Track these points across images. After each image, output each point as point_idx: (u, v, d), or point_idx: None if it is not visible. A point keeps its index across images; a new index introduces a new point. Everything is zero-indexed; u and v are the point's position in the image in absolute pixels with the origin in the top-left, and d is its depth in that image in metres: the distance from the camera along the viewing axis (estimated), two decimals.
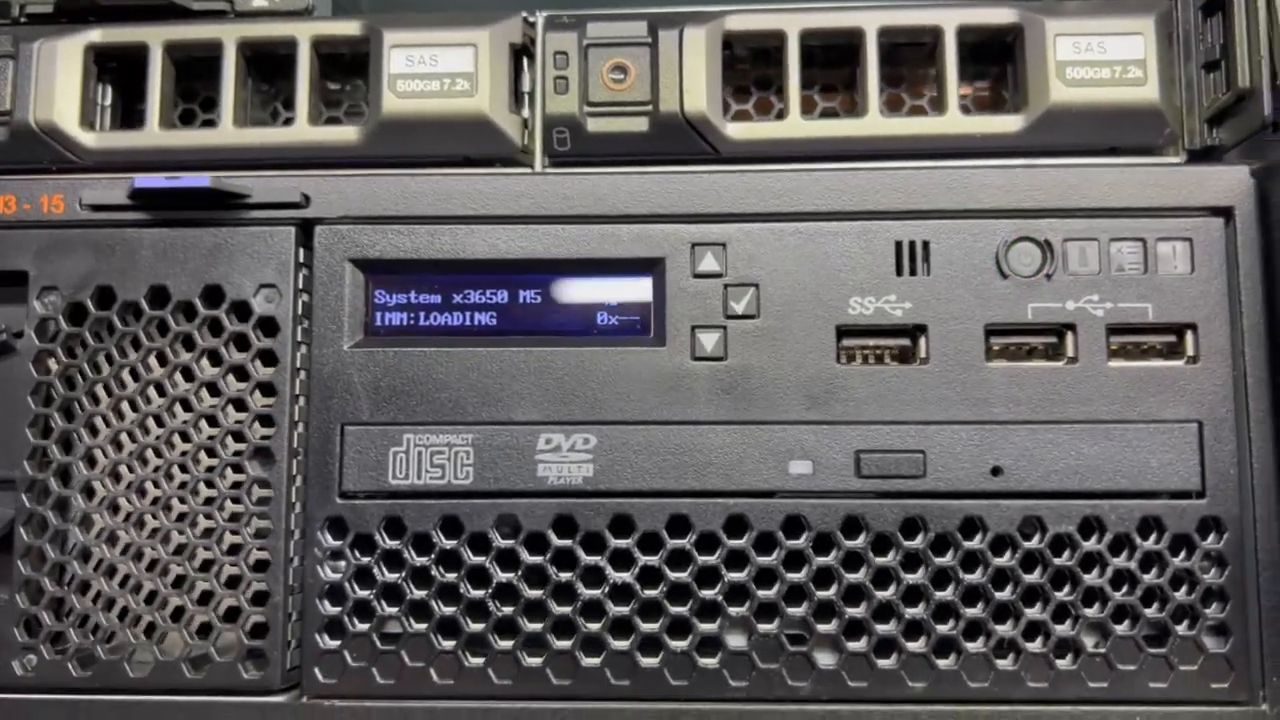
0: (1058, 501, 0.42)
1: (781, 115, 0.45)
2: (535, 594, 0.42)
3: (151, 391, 0.44)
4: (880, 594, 0.42)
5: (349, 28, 0.46)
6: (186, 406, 0.44)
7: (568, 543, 0.43)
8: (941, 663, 0.42)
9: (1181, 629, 0.42)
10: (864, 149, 0.45)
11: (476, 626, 0.42)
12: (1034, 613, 0.42)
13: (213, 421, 0.44)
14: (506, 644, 0.42)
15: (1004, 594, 0.42)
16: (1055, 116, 0.44)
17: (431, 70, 0.45)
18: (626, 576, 0.42)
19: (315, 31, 0.46)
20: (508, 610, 0.42)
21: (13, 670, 0.43)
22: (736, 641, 0.42)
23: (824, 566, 0.42)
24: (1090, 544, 0.42)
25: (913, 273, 0.43)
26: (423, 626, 0.43)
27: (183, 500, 0.43)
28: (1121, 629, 0.42)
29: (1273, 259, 0.42)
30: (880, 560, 0.42)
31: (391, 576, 0.43)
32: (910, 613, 0.42)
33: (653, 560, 0.42)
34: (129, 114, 0.49)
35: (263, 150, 0.46)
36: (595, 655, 0.42)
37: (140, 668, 0.43)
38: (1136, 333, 0.43)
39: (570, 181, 0.44)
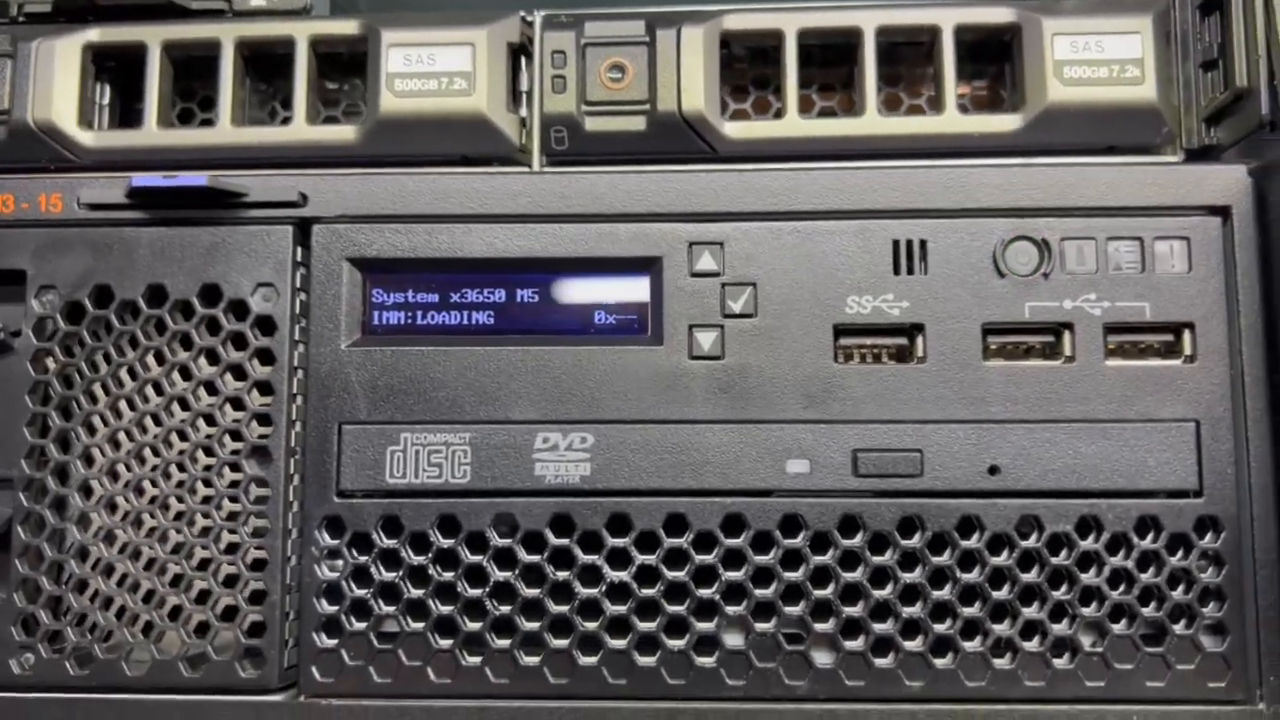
0: (1055, 500, 0.42)
1: (779, 114, 0.45)
2: (532, 593, 0.42)
3: (149, 390, 0.44)
4: (877, 593, 0.42)
5: (347, 27, 0.46)
6: (184, 405, 0.44)
7: (565, 541, 0.43)
8: (939, 662, 0.42)
9: (1179, 628, 0.42)
10: (862, 148, 0.45)
11: (474, 625, 0.42)
12: (1031, 612, 0.42)
13: (210, 420, 0.44)
14: (504, 643, 0.42)
15: (1001, 593, 0.42)
16: (1053, 116, 0.44)
17: (429, 69, 0.45)
18: (624, 575, 0.42)
19: (313, 31, 0.46)
20: (505, 609, 0.42)
21: (10, 669, 0.43)
22: (734, 640, 0.42)
23: (821, 565, 0.42)
24: (1087, 543, 0.42)
25: (910, 272, 0.43)
26: (420, 625, 0.43)
27: (180, 499, 0.43)
28: (1119, 628, 0.42)
29: (1270, 258, 0.42)
30: (877, 559, 0.42)
31: (389, 575, 0.43)
32: (907, 612, 0.42)
33: (650, 559, 0.42)
34: (127, 113, 0.49)
35: (260, 149, 0.46)
36: (592, 654, 0.42)
37: (138, 666, 0.43)
38: (1134, 332, 0.43)
39: (568, 180, 0.44)
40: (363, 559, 0.43)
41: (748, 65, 0.48)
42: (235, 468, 0.43)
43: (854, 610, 0.42)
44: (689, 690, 0.42)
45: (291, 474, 0.43)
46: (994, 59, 0.47)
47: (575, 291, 0.44)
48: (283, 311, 0.43)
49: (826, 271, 0.43)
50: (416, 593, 0.43)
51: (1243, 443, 0.42)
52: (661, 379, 0.43)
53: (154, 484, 0.44)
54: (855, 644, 0.42)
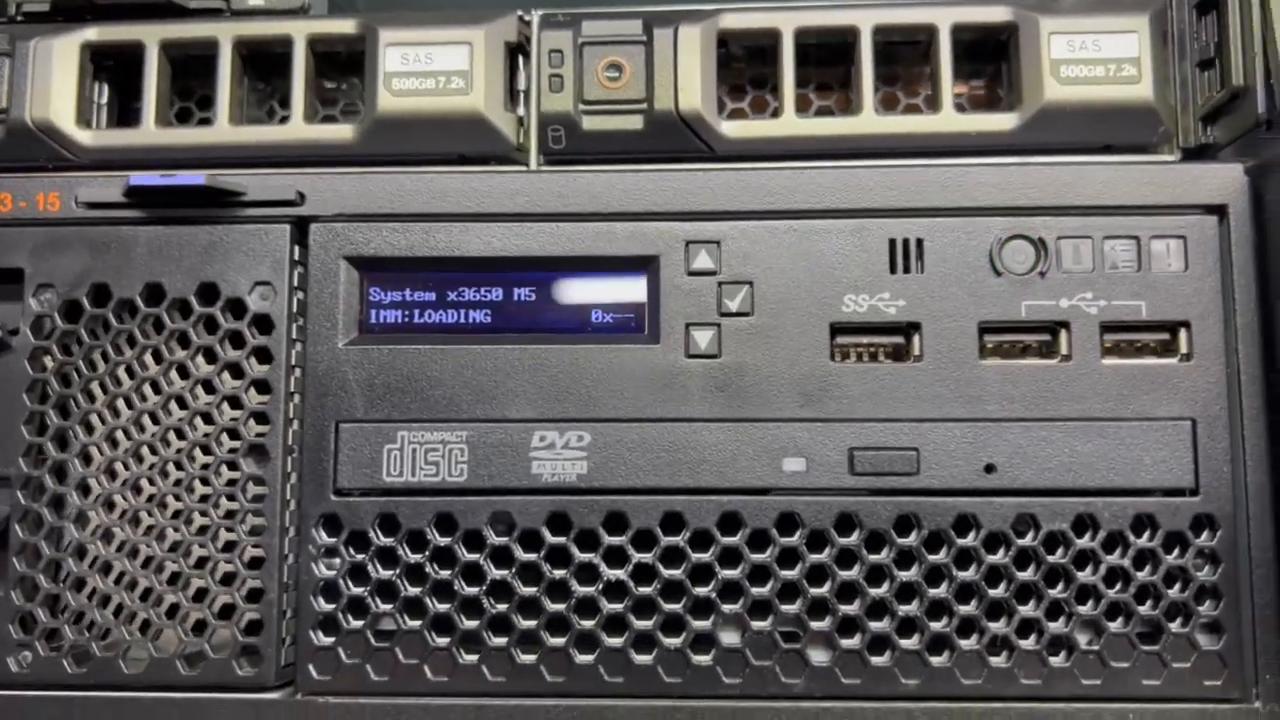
0: (1051, 499, 0.42)
1: (776, 113, 0.46)
2: (529, 591, 0.42)
3: (147, 389, 0.44)
4: (873, 591, 0.42)
5: (344, 26, 0.46)
6: (182, 404, 0.44)
7: (562, 540, 0.43)
8: (935, 660, 0.42)
9: (1175, 626, 0.42)
10: (859, 147, 0.45)
11: (471, 623, 0.43)
12: (1027, 610, 0.42)
13: (208, 419, 0.44)
14: (501, 641, 0.43)
15: (997, 591, 0.42)
16: (1050, 115, 0.44)
17: (427, 68, 0.45)
18: (620, 573, 0.42)
19: (311, 30, 0.46)
20: (502, 607, 0.42)
21: (8, 667, 0.43)
22: (730, 638, 0.42)
23: (817, 563, 0.42)
24: (1083, 541, 0.42)
25: (906, 270, 0.43)
26: (417, 623, 0.43)
27: (178, 497, 0.43)
28: (1115, 626, 0.42)
29: (1266, 256, 0.42)
30: (873, 557, 0.42)
31: (386, 573, 0.43)
32: (903, 610, 0.42)
33: (646, 557, 0.42)
34: (125, 112, 0.49)
35: (258, 148, 0.46)
36: (589, 652, 0.42)
37: (135, 664, 0.43)
38: (1130, 330, 0.43)
39: (565, 179, 0.44)
40: (360, 557, 0.43)
41: (745, 64, 0.48)
42: (233, 466, 0.43)
43: (850, 608, 0.42)
44: (685, 688, 0.42)
45: (289, 472, 0.43)
46: (991, 58, 0.47)
47: (572, 290, 0.44)
48: (280, 310, 0.43)
49: (823, 270, 0.43)
50: (413, 591, 0.43)
51: (1239, 441, 0.42)
52: (658, 378, 0.43)
53: (152, 482, 0.44)
54: (851, 642, 0.42)
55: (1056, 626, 0.42)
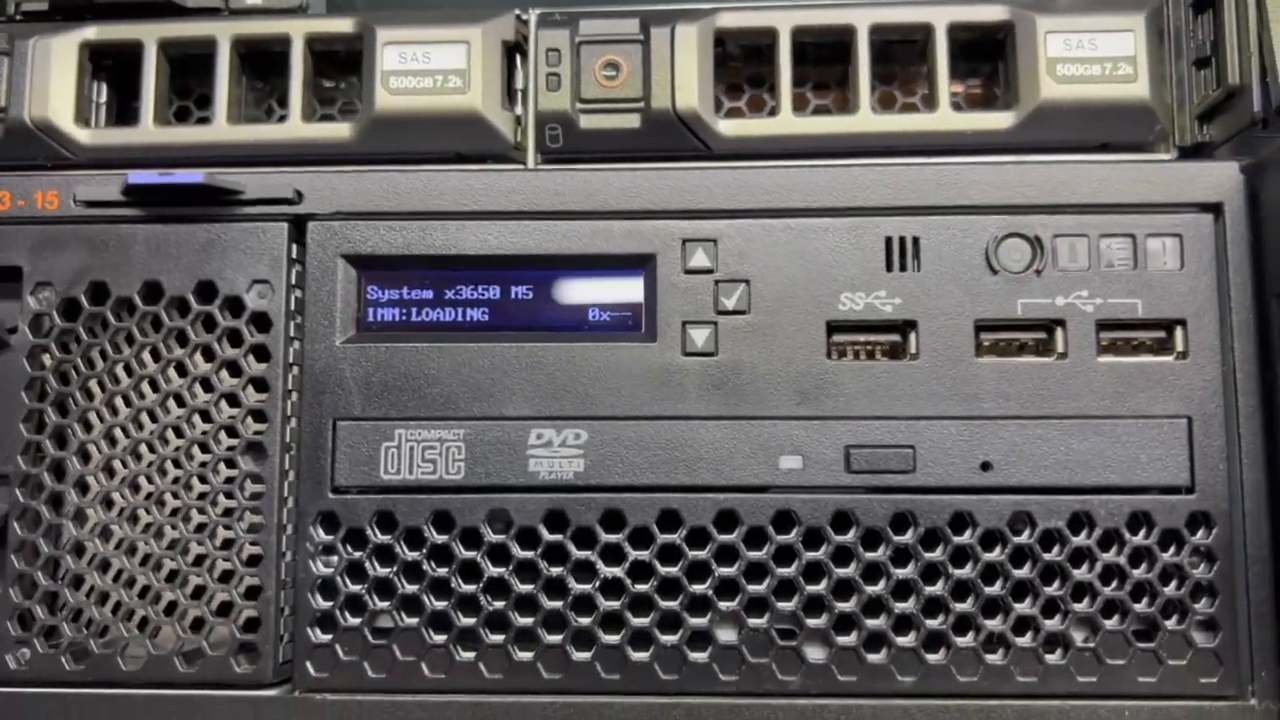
0: (1047, 497, 0.42)
1: (773, 112, 0.46)
2: (526, 588, 0.43)
3: (145, 387, 0.44)
4: (870, 589, 0.42)
5: (342, 25, 0.46)
6: (179, 401, 0.44)
7: (558, 537, 0.43)
8: (931, 657, 0.42)
9: (1171, 624, 0.42)
10: (855, 146, 0.45)
11: (468, 621, 0.43)
12: (1023, 607, 0.42)
13: (205, 416, 0.44)
14: (497, 638, 0.43)
15: (993, 589, 0.42)
16: (1046, 113, 0.44)
17: (424, 67, 0.45)
18: (617, 571, 0.42)
19: (309, 29, 0.46)
20: (499, 605, 0.43)
21: (6, 664, 0.43)
22: (726, 636, 0.42)
23: (814, 561, 0.42)
24: (1079, 539, 0.42)
25: (903, 269, 0.43)
26: (414, 621, 0.43)
27: (175, 495, 0.44)
28: (1111, 624, 0.42)
29: (1262, 255, 0.42)
30: (870, 555, 0.42)
31: (383, 571, 0.43)
32: (900, 607, 0.42)
33: (643, 555, 0.42)
34: (124, 111, 0.49)
35: (256, 147, 0.46)
36: (586, 650, 0.42)
37: (133, 662, 0.43)
38: (1126, 328, 0.43)
39: (562, 178, 0.44)
40: (357, 555, 0.43)
41: (742, 63, 0.48)
42: (230, 464, 0.43)
43: (846, 606, 0.42)
44: (682, 685, 0.42)
45: (286, 470, 0.43)
46: (987, 57, 0.47)
47: (569, 289, 0.44)
48: (278, 308, 0.43)
49: (820, 268, 0.43)
50: (411, 588, 0.43)
51: (1234, 439, 0.42)
52: (655, 375, 0.43)
53: (150, 480, 0.44)
54: (848, 639, 0.42)
55: (1052, 624, 0.42)
